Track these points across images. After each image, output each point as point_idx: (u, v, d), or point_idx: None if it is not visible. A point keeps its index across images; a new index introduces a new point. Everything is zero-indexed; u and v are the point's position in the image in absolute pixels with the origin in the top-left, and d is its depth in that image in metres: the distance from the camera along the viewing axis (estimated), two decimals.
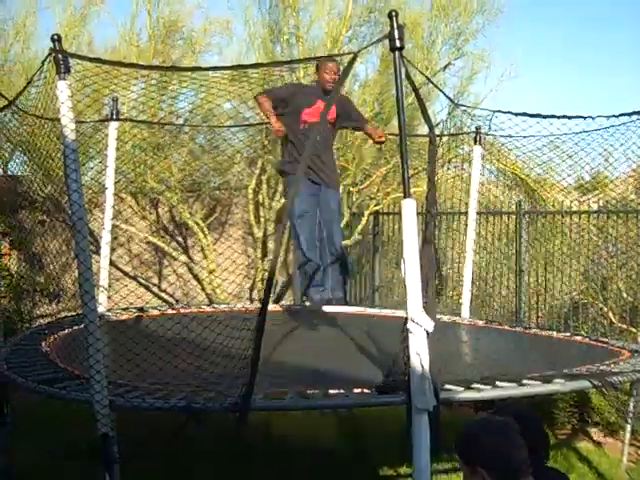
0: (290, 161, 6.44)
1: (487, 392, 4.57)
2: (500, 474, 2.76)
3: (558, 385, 4.75)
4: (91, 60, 4.97)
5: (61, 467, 5.62)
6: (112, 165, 7.42)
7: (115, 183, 7.80)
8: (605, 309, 8.32)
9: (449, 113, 9.49)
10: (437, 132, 8.27)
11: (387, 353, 4.86)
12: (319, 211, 6.52)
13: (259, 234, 10.32)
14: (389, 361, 4.57)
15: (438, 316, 7.22)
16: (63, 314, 8.94)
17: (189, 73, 7.69)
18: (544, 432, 3.40)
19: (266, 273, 10.08)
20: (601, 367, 5.15)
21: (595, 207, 8.53)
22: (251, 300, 10.35)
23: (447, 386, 4.48)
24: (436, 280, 7.04)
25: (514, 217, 8.96)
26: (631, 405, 5.97)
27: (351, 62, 5.44)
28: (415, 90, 5.03)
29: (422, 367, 3.99)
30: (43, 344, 5.79)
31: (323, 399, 4.44)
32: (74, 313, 7.82)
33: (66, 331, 6.35)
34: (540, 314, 8.88)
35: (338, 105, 6.40)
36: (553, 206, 8.85)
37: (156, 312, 7.57)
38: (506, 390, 4.61)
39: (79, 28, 10.53)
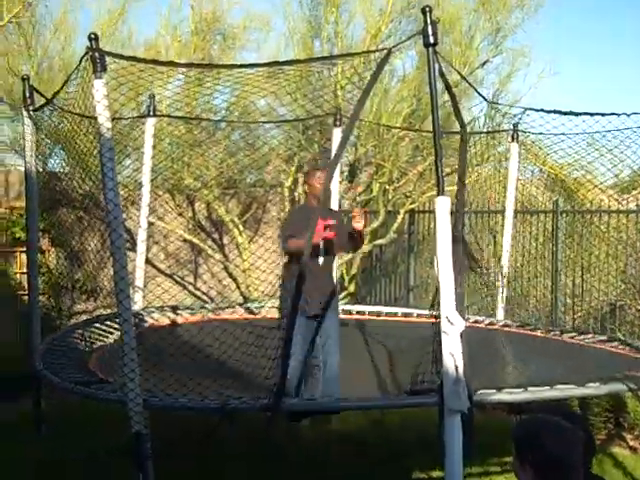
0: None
1: (520, 395, 4.53)
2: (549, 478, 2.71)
3: (592, 389, 4.69)
4: (127, 58, 5.00)
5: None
6: (149, 162, 7.48)
7: (152, 180, 7.86)
8: None
9: (486, 111, 9.41)
10: (475, 129, 8.22)
11: (421, 355, 4.83)
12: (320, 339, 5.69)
13: None
14: (422, 363, 4.55)
15: (473, 317, 7.24)
16: (100, 311, 9.04)
17: (226, 70, 7.71)
18: (591, 439, 3.31)
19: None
20: (636, 371, 5.06)
21: (633, 206, 8.40)
22: None
23: (480, 388, 4.44)
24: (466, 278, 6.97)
25: (551, 216, 8.86)
26: None
27: (385, 58, 5.39)
28: (448, 87, 4.98)
29: (456, 368, 3.95)
30: (80, 344, 5.86)
31: (356, 400, 4.44)
32: (110, 311, 7.89)
33: (102, 331, 6.41)
34: (577, 315, 8.77)
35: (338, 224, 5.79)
36: (591, 205, 8.74)
37: (188, 314, 7.60)
38: (539, 393, 4.55)
39: (118, 24, 10.62)
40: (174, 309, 7.60)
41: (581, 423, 3.26)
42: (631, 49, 31.75)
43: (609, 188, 8.56)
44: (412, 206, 10.35)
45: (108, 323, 6.51)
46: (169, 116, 8.33)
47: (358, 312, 8.08)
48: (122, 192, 8.40)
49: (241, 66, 6.33)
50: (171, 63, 6.26)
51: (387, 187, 10.22)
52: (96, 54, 4.28)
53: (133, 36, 10.81)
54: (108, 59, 4.39)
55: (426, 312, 7.45)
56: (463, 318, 4.06)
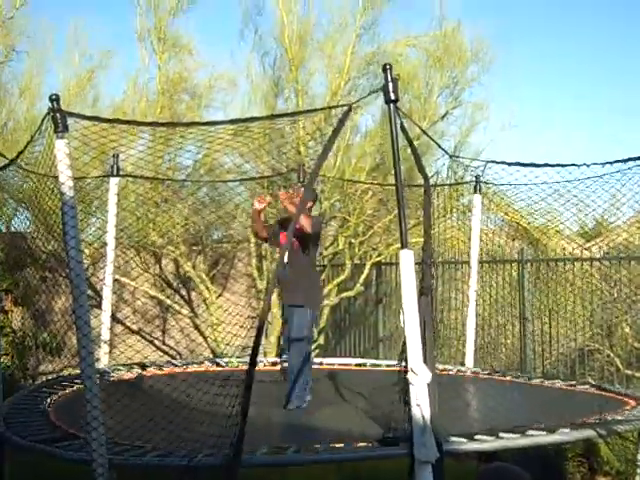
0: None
1: (490, 443, 4.52)
2: None
3: (562, 435, 4.70)
4: (88, 118, 5.02)
5: None
6: (112, 221, 7.44)
7: (118, 238, 7.82)
8: (612, 355, 8.25)
9: (449, 164, 9.56)
10: (436, 182, 8.34)
11: (390, 405, 4.82)
12: None
13: (262, 286, 10.29)
14: (392, 413, 4.54)
15: (442, 366, 7.25)
16: (66, 371, 8.91)
17: (192, 128, 7.77)
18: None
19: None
20: (606, 416, 5.09)
21: (596, 253, 8.52)
22: None
23: (451, 438, 4.44)
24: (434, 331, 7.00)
25: (517, 265, 8.95)
26: (639, 454, 5.88)
27: (346, 113, 5.47)
28: (410, 142, 5.06)
29: (423, 418, 3.95)
30: (43, 403, 5.74)
31: (324, 453, 4.40)
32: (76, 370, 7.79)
33: (67, 390, 6.30)
34: (547, 362, 8.81)
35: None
36: (555, 253, 8.85)
37: (156, 370, 7.50)
38: (509, 441, 4.56)
39: (86, 87, 10.72)
40: (141, 366, 7.51)
41: (554, 468, 3.28)
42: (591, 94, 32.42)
43: (576, 236, 8.70)
44: (378, 259, 10.40)
45: (73, 381, 6.41)
46: (132, 175, 8.31)
47: (328, 364, 8.04)
48: (87, 250, 8.38)
49: (202, 124, 6.39)
50: (132, 122, 6.30)
51: (353, 240, 10.27)
52: (57, 114, 4.30)
53: (100, 98, 10.95)
54: (71, 120, 4.41)
55: (395, 363, 7.51)
56: (432, 369, 4.08)
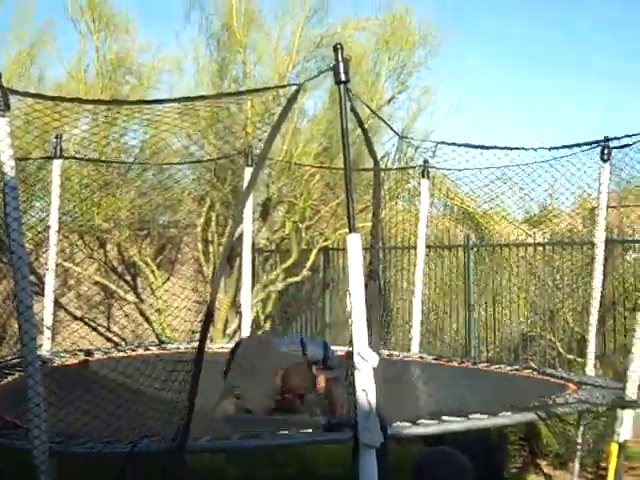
0: None
1: (434, 427, 4.55)
2: None
3: (504, 418, 4.75)
4: (31, 96, 4.91)
5: None
6: (56, 203, 7.29)
7: (61, 221, 7.67)
8: (554, 340, 8.39)
9: (396, 146, 9.57)
10: (385, 166, 8.34)
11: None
12: None
13: (208, 272, 10.22)
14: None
15: (387, 351, 7.28)
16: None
17: (136, 108, 7.64)
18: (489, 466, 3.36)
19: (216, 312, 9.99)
20: (547, 399, 5.16)
21: (540, 239, 8.64)
22: None
23: (395, 422, 4.45)
24: (382, 316, 7.00)
25: (463, 250, 9.03)
26: (579, 436, 5.99)
27: (295, 93, 5.43)
28: (361, 124, 5.03)
29: (368, 403, 3.95)
30: None
31: (269, 438, 4.38)
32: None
33: (8, 378, 6.14)
34: (490, 347, 8.92)
35: None
36: (501, 238, 8.95)
37: (100, 355, 7.36)
38: (453, 424, 4.59)
39: (27, 66, 10.46)
40: (85, 352, 7.38)
41: (497, 452, 3.32)
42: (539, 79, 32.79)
43: (521, 223, 8.80)
44: (325, 244, 10.40)
45: (14, 368, 6.25)
46: (75, 157, 8.14)
47: None
48: (29, 234, 8.19)
49: (147, 102, 6.27)
50: (76, 99, 6.16)
51: (300, 225, 10.24)
52: None
53: (44, 80, 10.70)
54: (14, 99, 4.28)
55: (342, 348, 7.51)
56: (378, 354, 4.08)
